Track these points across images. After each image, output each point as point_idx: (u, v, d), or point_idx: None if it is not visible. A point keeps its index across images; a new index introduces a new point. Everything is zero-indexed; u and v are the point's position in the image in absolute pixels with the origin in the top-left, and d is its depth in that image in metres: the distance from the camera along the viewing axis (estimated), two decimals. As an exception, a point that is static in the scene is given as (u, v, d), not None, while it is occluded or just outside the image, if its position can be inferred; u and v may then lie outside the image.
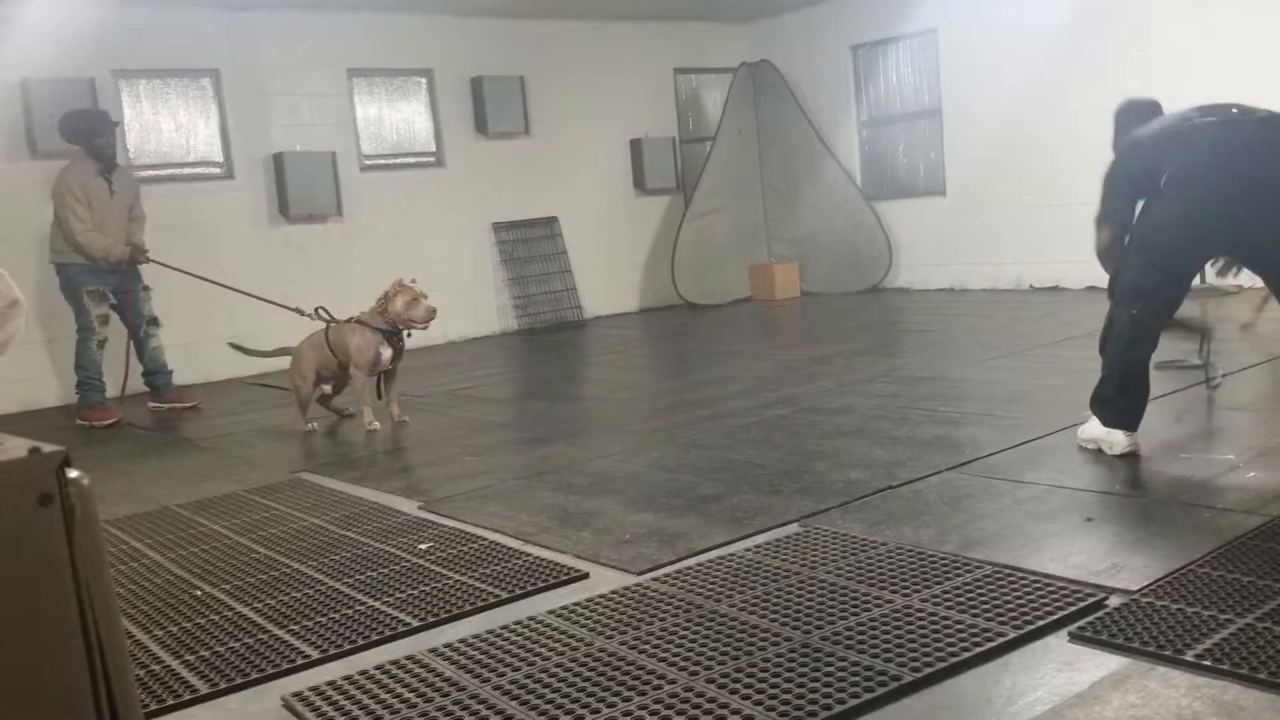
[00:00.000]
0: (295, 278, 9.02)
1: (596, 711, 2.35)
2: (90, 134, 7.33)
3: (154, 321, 7.71)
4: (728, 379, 6.73)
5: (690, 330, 9.83)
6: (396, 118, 10.25)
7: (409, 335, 6.33)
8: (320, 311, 6.39)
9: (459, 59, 10.37)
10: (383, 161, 10.12)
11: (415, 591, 3.29)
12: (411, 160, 10.30)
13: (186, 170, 9.11)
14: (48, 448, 1.13)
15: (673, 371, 7.87)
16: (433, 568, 3.51)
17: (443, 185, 10.35)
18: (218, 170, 9.24)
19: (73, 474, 1.14)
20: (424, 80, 10.34)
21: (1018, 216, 10.07)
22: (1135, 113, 4.88)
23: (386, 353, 6.20)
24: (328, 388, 6.54)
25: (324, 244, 9.58)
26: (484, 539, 3.80)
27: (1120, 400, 4.17)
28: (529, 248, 10.85)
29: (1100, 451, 4.16)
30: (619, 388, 7.15)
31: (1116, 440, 4.15)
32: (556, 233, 11.01)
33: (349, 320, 6.30)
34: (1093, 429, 4.27)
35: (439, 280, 9.92)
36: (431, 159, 10.40)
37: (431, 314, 6.17)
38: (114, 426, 7.20)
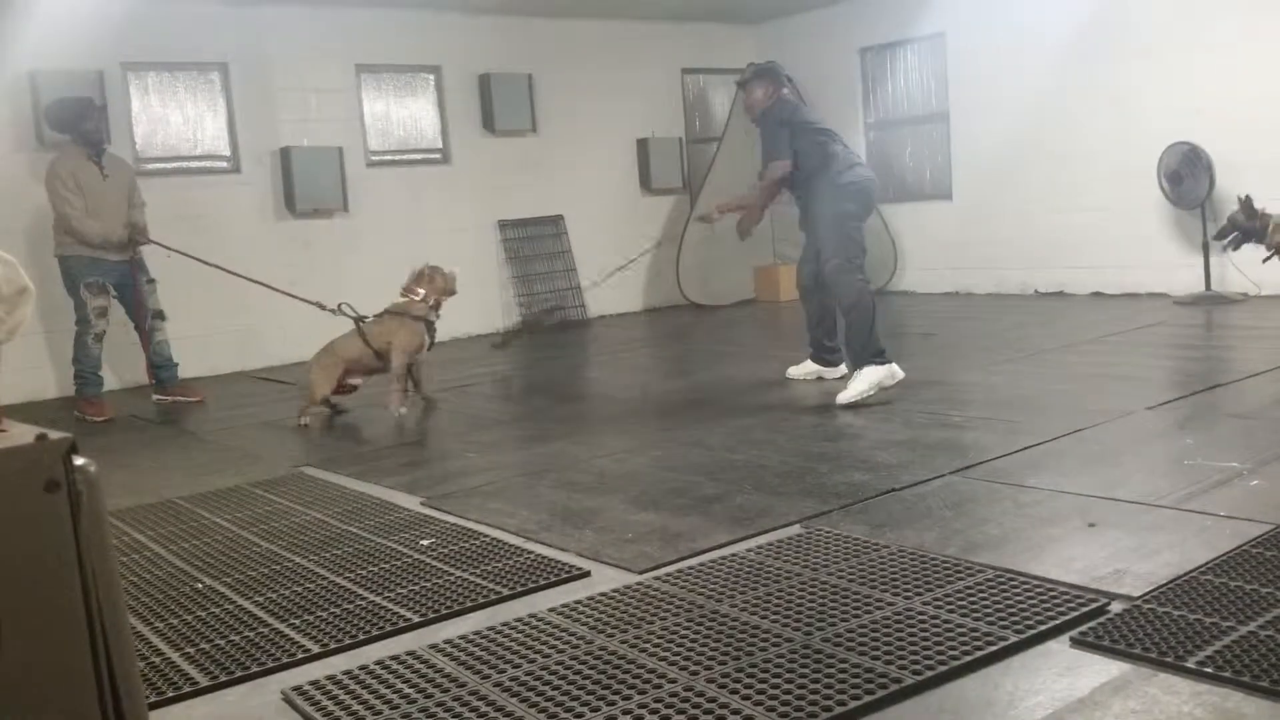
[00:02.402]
0: (300, 272, 9.02)
1: (596, 710, 2.34)
2: (77, 119, 7.32)
3: (159, 315, 7.67)
4: (731, 379, 6.73)
5: (694, 330, 9.83)
6: (403, 114, 10.25)
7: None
8: (344, 307, 6.49)
9: (467, 56, 10.37)
10: (389, 157, 10.13)
11: (416, 587, 3.29)
12: (418, 156, 10.30)
13: (193, 163, 9.12)
14: (55, 434, 1.14)
15: (676, 371, 7.87)
16: (434, 564, 3.51)
17: (449, 182, 10.35)
18: (224, 164, 9.25)
19: (79, 461, 1.15)
20: (432, 77, 10.35)
21: (1023, 221, 10.07)
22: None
23: (427, 340, 6.55)
24: (357, 380, 6.68)
25: (329, 239, 9.59)
26: (486, 536, 3.80)
27: (879, 341, 5.61)
28: (534, 245, 10.85)
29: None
30: (622, 387, 7.15)
31: (897, 371, 5.60)
32: (562, 231, 11.01)
33: (386, 313, 6.51)
34: (870, 376, 5.54)
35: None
36: (438, 155, 10.40)
37: (453, 279, 6.71)
38: (108, 423, 7.14)
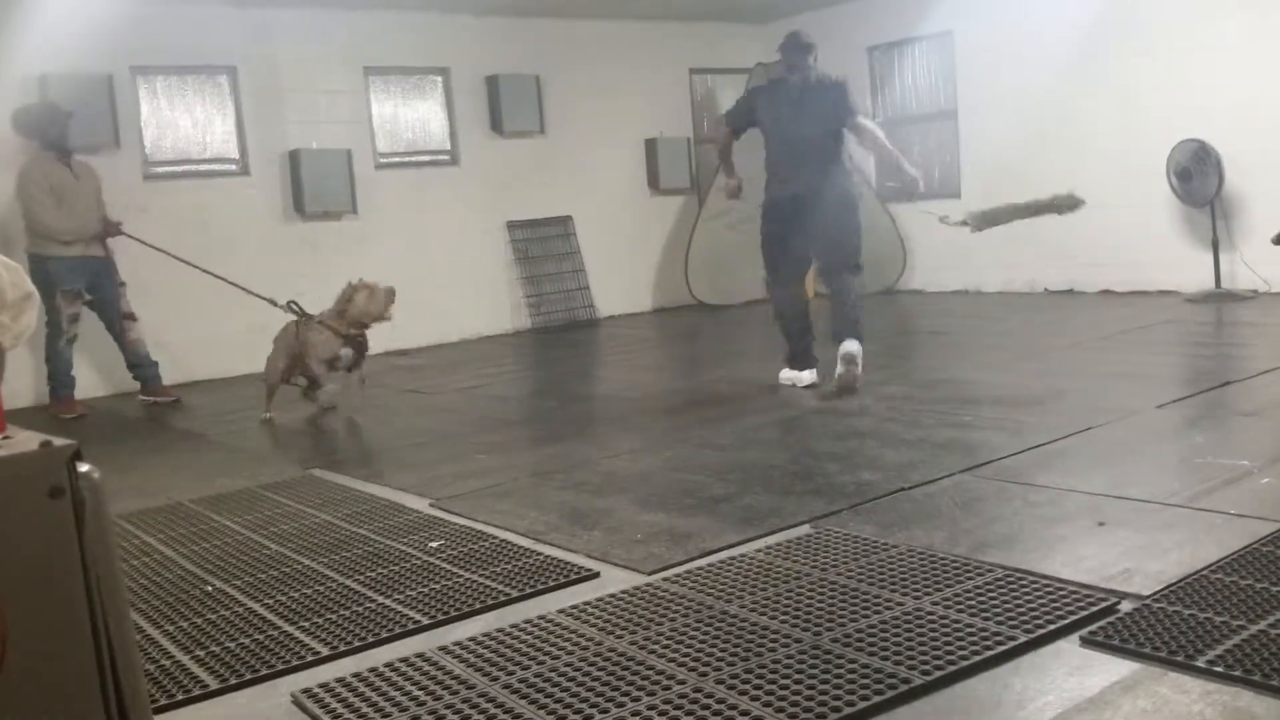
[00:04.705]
0: (309, 274, 9.03)
1: (605, 711, 2.34)
2: (44, 125, 7.50)
3: (129, 316, 7.81)
4: (740, 379, 6.72)
5: (703, 330, 9.83)
6: (412, 116, 10.27)
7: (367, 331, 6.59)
8: (292, 305, 6.68)
9: (475, 57, 10.38)
10: (398, 159, 10.14)
11: (425, 589, 3.30)
12: (426, 158, 10.32)
13: (203, 167, 9.15)
14: (59, 441, 1.14)
15: (685, 371, 7.87)
16: (443, 565, 3.52)
17: (457, 184, 10.36)
18: (234, 167, 9.27)
19: (83, 467, 1.15)
20: (440, 79, 10.36)
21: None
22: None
23: (346, 352, 6.50)
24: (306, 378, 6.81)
25: (338, 241, 9.60)
26: (494, 537, 3.80)
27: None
28: (543, 246, 10.85)
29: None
30: (631, 387, 7.15)
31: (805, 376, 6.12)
32: (570, 232, 11.01)
33: (315, 318, 6.59)
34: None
35: (452, 278, 9.98)
36: (446, 157, 10.41)
37: (392, 297, 6.49)
38: (79, 419, 7.34)
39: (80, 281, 7.51)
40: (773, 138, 6.27)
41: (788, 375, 6.22)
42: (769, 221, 6.31)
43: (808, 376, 6.14)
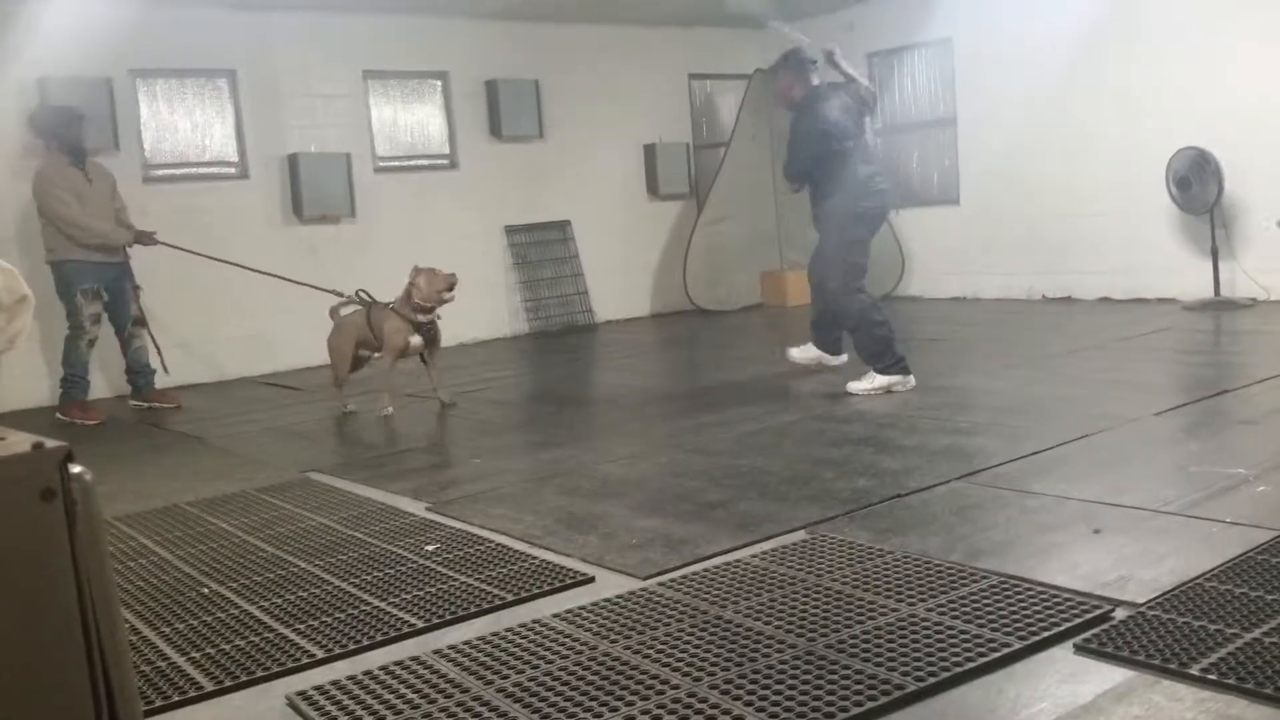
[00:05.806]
0: (307, 278, 9.03)
1: (599, 716, 2.34)
2: (60, 127, 7.45)
3: (139, 321, 7.77)
4: (737, 385, 6.73)
5: (701, 336, 9.83)
6: (411, 120, 10.27)
7: (439, 318, 6.69)
8: (361, 293, 6.74)
9: (474, 62, 10.39)
10: (396, 163, 10.14)
11: (421, 593, 3.30)
12: (425, 162, 10.32)
13: (202, 170, 9.15)
14: (51, 443, 1.14)
15: (682, 377, 7.87)
16: (439, 569, 3.52)
17: (456, 188, 10.36)
18: (233, 170, 9.28)
19: (75, 469, 1.15)
20: (439, 83, 10.37)
21: (1031, 226, 10.05)
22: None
23: (415, 339, 6.59)
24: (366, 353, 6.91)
25: (337, 245, 9.60)
26: (490, 541, 3.80)
27: (892, 353, 5.93)
28: (541, 251, 10.86)
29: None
30: (628, 392, 7.15)
31: (910, 381, 5.93)
32: (569, 236, 11.02)
33: (387, 305, 6.65)
34: (880, 380, 5.89)
35: (450, 282, 9.95)
36: (445, 161, 10.42)
37: (453, 281, 6.56)
38: (100, 426, 7.26)
39: (98, 281, 7.48)
40: (857, 145, 6.20)
41: (894, 381, 5.94)
42: (866, 228, 6.25)
43: (913, 378, 6.01)
